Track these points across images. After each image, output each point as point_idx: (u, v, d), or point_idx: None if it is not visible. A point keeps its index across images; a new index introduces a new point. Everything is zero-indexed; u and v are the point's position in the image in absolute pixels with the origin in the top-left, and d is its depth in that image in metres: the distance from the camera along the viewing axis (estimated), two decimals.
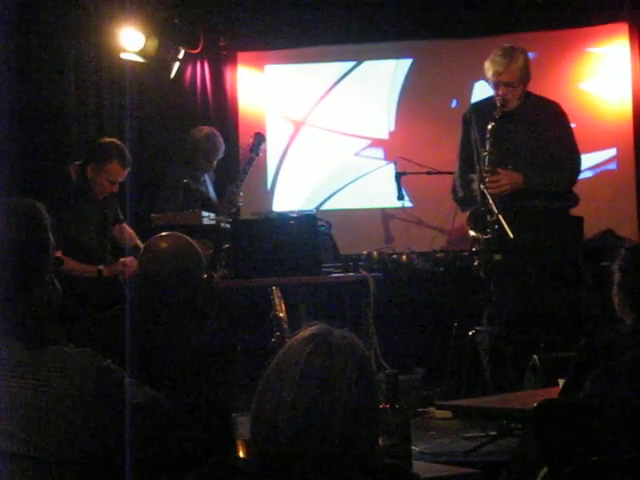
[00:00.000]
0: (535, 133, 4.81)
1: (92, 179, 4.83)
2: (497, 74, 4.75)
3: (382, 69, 6.99)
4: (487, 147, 4.71)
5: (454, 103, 6.83)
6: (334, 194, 6.96)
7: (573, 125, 5.08)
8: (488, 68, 4.80)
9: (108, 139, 5.01)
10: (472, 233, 4.80)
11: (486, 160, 4.72)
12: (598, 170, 6.43)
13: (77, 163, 4.94)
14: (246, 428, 1.72)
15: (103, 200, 4.98)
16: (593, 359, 2.66)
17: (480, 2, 6.65)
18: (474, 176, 4.85)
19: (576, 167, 4.90)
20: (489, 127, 4.70)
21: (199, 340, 2.82)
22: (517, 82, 4.78)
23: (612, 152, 6.50)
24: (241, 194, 6.02)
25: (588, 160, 5.95)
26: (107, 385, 1.88)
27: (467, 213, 4.98)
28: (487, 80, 4.92)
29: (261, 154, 6.18)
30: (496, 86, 4.79)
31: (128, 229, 5.15)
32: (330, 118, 6.98)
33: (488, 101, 4.94)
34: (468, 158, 4.94)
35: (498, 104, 4.75)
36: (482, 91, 6.06)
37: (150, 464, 1.99)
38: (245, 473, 1.68)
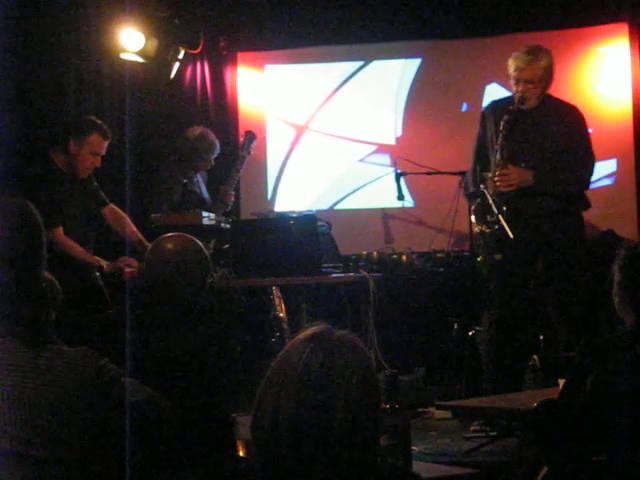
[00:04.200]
0: (550, 134, 4.81)
1: (75, 154, 4.89)
2: (519, 70, 4.78)
3: (389, 70, 6.91)
4: (499, 140, 4.72)
5: (464, 107, 6.77)
6: (338, 202, 6.92)
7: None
8: (511, 64, 4.83)
9: (84, 116, 5.14)
10: (476, 228, 4.81)
11: (497, 154, 4.73)
12: (598, 171, 6.41)
13: (58, 147, 5.00)
14: (246, 428, 1.72)
15: (84, 183, 5.02)
16: (593, 359, 2.66)
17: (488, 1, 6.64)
18: (487, 174, 4.86)
19: (589, 171, 4.89)
20: (503, 120, 4.72)
21: (199, 341, 2.82)
22: (537, 81, 4.79)
23: (612, 151, 6.49)
24: (232, 193, 6.03)
25: None
26: (105, 383, 1.88)
27: (473, 207, 4.98)
28: (509, 77, 4.91)
29: (252, 152, 6.18)
30: (517, 82, 4.81)
31: (121, 213, 5.17)
32: (334, 122, 6.91)
33: (508, 100, 4.94)
34: (483, 155, 4.95)
35: (516, 100, 4.78)
36: (494, 94, 6.03)
37: (149, 463, 1.99)
38: (245, 473, 1.68)
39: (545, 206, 4.76)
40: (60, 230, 4.79)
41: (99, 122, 4.99)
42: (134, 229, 5.15)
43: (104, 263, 4.89)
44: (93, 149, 4.91)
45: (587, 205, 4.91)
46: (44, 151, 5.07)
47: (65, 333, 2.22)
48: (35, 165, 5.03)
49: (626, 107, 6.51)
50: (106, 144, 4.98)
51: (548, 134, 4.82)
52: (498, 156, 4.73)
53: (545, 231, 4.75)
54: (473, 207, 4.91)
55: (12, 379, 1.83)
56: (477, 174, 4.92)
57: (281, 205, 6.81)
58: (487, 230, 4.71)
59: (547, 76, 4.83)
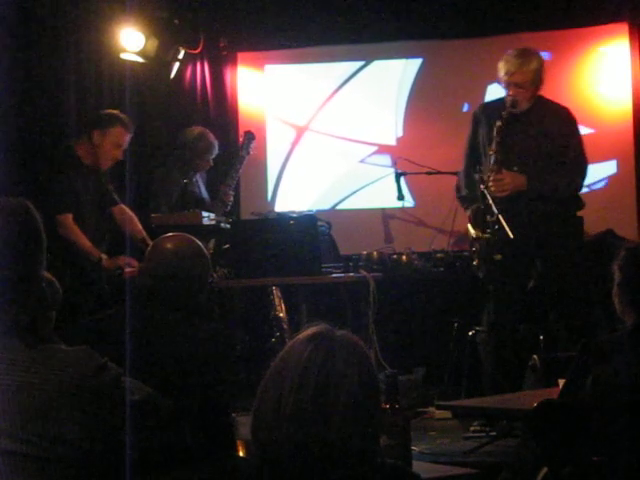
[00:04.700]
0: (543, 137, 4.80)
1: (98, 145, 5.03)
2: (509, 74, 4.76)
3: (390, 70, 6.89)
4: (493, 146, 4.71)
5: (466, 107, 6.74)
6: (338, 203, 6.92)
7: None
8: (501, 68, 4.81)
9: (109, 110, 5.30)
10: (472, 232, 4.80)
11: (491, 159, 4.72)
12: (598, 171, 6.41)
13: (82, 138, 5.11)
14: (246, 428, 1.72)
15: (100, 180, 5.08)
16: (593, 359, 2.66)
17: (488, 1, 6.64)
18: (479, 176, 4.85)
19: (582, 174, 4.88)
20: (496, 126, 4.71)
21: (199, 341, 2.82)
22: (528, 84, 4.77)
23: (612, 152, 6.49)
24: (232, 193, 6.03)
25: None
26: (104, 383, 1.88)
27: (468, 212, 4.98)
28: (499, 80, 4.91)
29: (252, 152, 6.19)
30: (507, 86, 4.80)
31: (130, 212, 5.20)
32: (334, 122, 6.90)
33: (499, 102, 4.93)
34: (474, 157, 4.94)
35: (508, 104, 4.76)
36: (495, 94, 6.00)
37: (149, 463, 1.99)
38: (245, 473, 1.68)
39: (540, 208, 4.76)
40: (70, 217, 4.86)
41: (123, 116, 5.14)
42: (139, 228, 5.18)
43: (104, 257, 4.92)
44: (115, 141, 5.05)
45: (581, 205, 4.92)
46: (62, 142, 5.17)
47: (65, 333, 2.22)
48: (55, 153, 5.12)
49: (626, 107, 6.51)
50: (128, 137, 5.12)
51: (540, 136, 4.81)
52: (492, 161, 4.72)
53: (542, 232, 4.75)
54: (470, 213, 4.90)
55: (11, 379, 1.83)
56: (475, 176, 4.92)
57: (281, 205, 6.80)
58: (485, 235, 4.70)
59: (538, 78, 4.81)
